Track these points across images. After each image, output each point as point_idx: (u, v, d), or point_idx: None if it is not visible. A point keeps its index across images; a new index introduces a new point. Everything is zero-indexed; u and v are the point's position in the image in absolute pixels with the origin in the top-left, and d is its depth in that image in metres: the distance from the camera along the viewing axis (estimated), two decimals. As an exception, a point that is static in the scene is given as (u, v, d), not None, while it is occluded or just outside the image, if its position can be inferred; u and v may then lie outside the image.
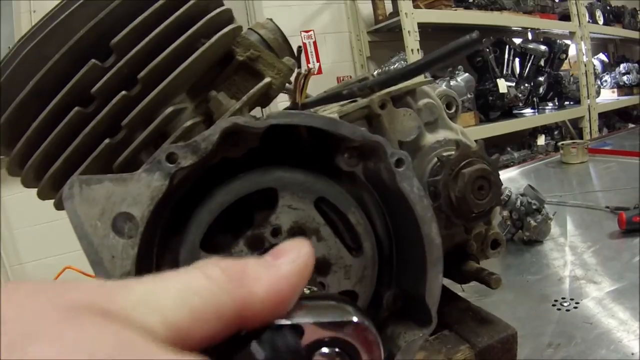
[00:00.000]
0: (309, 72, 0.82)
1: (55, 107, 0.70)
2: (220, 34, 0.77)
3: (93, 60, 0.69)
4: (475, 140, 0.90)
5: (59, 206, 0.80)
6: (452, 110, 0.96)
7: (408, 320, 0.75)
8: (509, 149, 4.90)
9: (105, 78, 0.69)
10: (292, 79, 0.92)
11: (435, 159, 0.85)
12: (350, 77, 4.47)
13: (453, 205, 0.80)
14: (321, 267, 0.70)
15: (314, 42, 4.28)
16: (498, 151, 4.72)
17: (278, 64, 0.84)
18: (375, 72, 4.31)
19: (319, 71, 4.23)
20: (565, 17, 5.56)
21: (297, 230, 0.68)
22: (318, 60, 4.28)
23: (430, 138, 0.87)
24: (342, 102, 0.89)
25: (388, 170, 0.66)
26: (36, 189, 0.79)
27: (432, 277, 0.69)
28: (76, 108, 0.70)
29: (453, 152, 0.83)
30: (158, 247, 0.70)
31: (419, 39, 3.87)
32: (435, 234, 0.68)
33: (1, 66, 0.70)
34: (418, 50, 3.86)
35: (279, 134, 0.67)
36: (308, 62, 4.22)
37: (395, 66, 4.08)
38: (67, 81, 0.69)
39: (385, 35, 4.54)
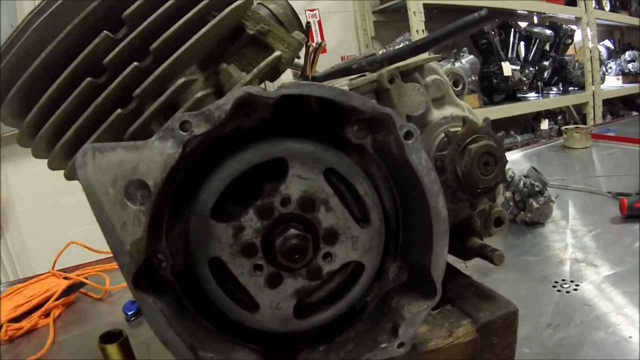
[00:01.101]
0: (320, 46, 0.82)
1: (67, 78, 0.70)
2: (231, 7, 0.77)
3: (105, 32, 0.70)
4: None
5: (69, 176, 0.81)
6: (459, 88, 0.97)
7: (412, 293, 0.76)
8: (512, 132, 4.88)
9: (117, 49, 0.70)
10: (302, 53, 0.92)
11: (442, 134, 0.86)
12: (355, 56, 4.44)
13: (459, 180, 0.80)
14: (329, 236, 0.71)
15: (319, 21, 4.25)
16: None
17: (288, 38, 0.84)
18: (380, 52, 4.28)
19: (323, 50, 4.19)
20: (572, 2, 5.53)
21: (306, 200, 0.69)
22: (322, 39, 4.24)
23: (437, 114, 0.88)
24: (350, 77, 0.89)
25: (397, 143, 0.67)
26: (44, 161, 0.79)
27: (438, 249, 0.70)
28: (88, 79, 0.70)
29: (460, 128, 0.84)
30: (168, 217, 0.71)
31: (424, 20, 3.85)
32: (442, 207, 0.69)
33: (12, 39, 0.70)
34: (423, 31, 3.83)
35: (289, 106, 0.68)
36: (312, 40, 4.17)
37: (400, 46, 4.04)
38: (78, 53, 0.69)
39: (390, 15, 4.51)
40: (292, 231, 0.67)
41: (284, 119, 0.72)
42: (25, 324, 1.39)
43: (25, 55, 0.69)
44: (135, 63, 0.70)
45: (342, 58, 4.35)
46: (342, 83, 0.85)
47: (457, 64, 3.98)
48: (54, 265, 1.68)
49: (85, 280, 1.59)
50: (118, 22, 0.72)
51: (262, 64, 0.79)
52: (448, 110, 0.89)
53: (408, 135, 0.66)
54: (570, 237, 1.66)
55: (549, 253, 1.57)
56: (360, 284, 0.76)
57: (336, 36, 4.43)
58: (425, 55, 0.87)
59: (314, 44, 0.82)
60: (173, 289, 0.71)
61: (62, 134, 0.72)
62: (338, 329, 0.78)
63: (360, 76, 0.87)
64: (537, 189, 1.76)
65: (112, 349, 0.86)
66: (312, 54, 0.81)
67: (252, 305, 0.72)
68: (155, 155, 0.59)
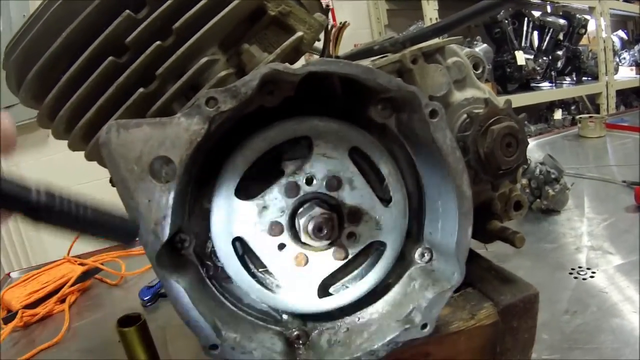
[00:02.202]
0: (344, 25, 0.82)
1: (88, 58, 0.70)
2: None
3: (127, 11, 0.69)
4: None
5: (90, 156, 0.81)
6: (479, 71, 0.96)
7: (436, 274, 0.76)
8: (525, 121, 4.83)
9: (139, 29, 0.70)
10: (321, 36, 0.92)
11: (464, 115, 0.85)
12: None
13: (482, 161, 0.80)
14: (354, 215, 0.71)
15: (332, 9, 4.22)
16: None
17: (309, 19, 0.84)
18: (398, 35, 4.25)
19: (345, 27, 4.16)
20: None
21: (331, 179, 0.69)
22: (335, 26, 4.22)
23: (458, 95, 0.87)
24: (373, 58, 0.89)
25: (421, 121, 0.66)
26: (58, 150, 0.79)
27: (462, 229, 0.70)
28: (110, 58, 0.70)
29: (481, 110, 0.83)
30: (191, 196, 0.71)
31: (437, 8, 3.82)
32: (466, 186, 0.68)
33: (32, 20, 0.70)
34: (436, 19, 3.80)
35: (312, 85, 0.67)
36: (335, 21, 4.17)
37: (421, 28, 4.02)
38: (99, 33, 0.69)
39: (403, 3, 4.46)
40: (317, 209, 0.66)
41: (307, 98, 0.71)
42: (41, 310, 1.41)
43: (44, 35, 0.69)
44: (158, 42, 0.70)
45: (355, 46, 4.33)
46: (365, 63, 0.85)
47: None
48: (69, 252, 1.68)
49: (100, 266, 1.60)
50: (140, 2, 0.71)
51: (285, 44, 0.78)
52: (469, 92, 0.89)
53: (433, 113, 0.65)
54: (585, 225, 1.66)
55: (564, 240, 1.56)
56: (383, 264, 0.76)
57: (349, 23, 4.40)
58: (446, 37, 0.86)
59: (337, 24, 0.82)
60: (195, 269, 0.71)
61: (83, 114, 0.72)
62: (361, 310, 0.78)
63: (383, 57, 0.86)
64: (553, 176, 1.75)
65: (131, 333, 0.86)
66: (336, 33, 0.81)
67: (274, 285, 0.72)
68: (181, 132, 0.59)
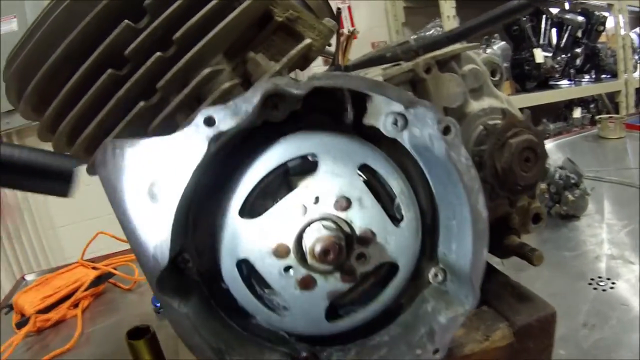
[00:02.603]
0: (352, 34, 0.78)
1: (87, 70, 0.67)
2: None
3: (126, 21, 0.66)
4: (521, 109, 0.87)
5: (91, 171, 0.78)
6: (497, 78, 0.92)
7: (449, 296, 0.73)
8: (544, 120, 4.78)
9: (139, 39, 0.66)
10: (332, 40, 0.88)
11: (481, 127, 0.81)
12: (385, 42, 4.38)
13: (498, 176, 0.76)
14: (363, 236, 0.67)
15: (349, 7, 4.19)
16: (533, 122, 4.60)
17: (318, 25, 0.80)
18: (413, 38, 4.21)
19: (354, 36, 4.14)
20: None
21: (340, 198, 0.65)
22: (353, 25, 4.17)
23: (475, 105, 0.83)
24: (384, 66, 0.85)
25: (435, 138, 0.63)
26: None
27: (477, 250, 0.66)
28: (109, 70, 0.67)
29: (499, 121, 0.80)
30: (196, 206, 0.68)
31: (455, 6, 3.78)
32: (482, 206, 0.65)
33: (31, 30, 0.67)
34: (454, 16, 3.76)
35: (320, 95, 0.64)
36: (342, 27, 4.12)
37: (430, 33, 3.99)
38: (99, 43, 0.66)
39: (420, 1, 4.42)
40: (325, 232, 0.63)
41: (315, 109, 0.68)
42: (54, 315, 1.39)
43: (43, 47, 0.66)
44: (158, 53, 0.67)
45: (373, 44, 4.30)
46: (376, 72, 0.82)
47: (488, 50, 3.91)
48: (82, 255, 1.67)
49: (113, 271, 1.59)
50: (140, 11, 0.68)
51: (292, 52, 0.75)
52: (486, 102, 0.85)
53: (447, 130, 0.62)
54: (605, 232, 1.62)
55: (584, 248, 1.53)
56: (394, 285, 0.72)
57: (366, 22, 4.37)
58: (464, 43, 0.82)
59: (345, 32, 0.78)
60: (199, 290, 0.68)
61: (84, 128, 0.69)
62: (370, 332, 0.75)
63: (395, 65, 0.83)
64: (572, 181, 1.71)
65: (140, 345, 0.84)
66: (344, 42, 0.77)
67: (281, 307, 0.69)
68: (180, 153, 0.56)
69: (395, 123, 0.67)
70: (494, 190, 0.78)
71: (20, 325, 1.36)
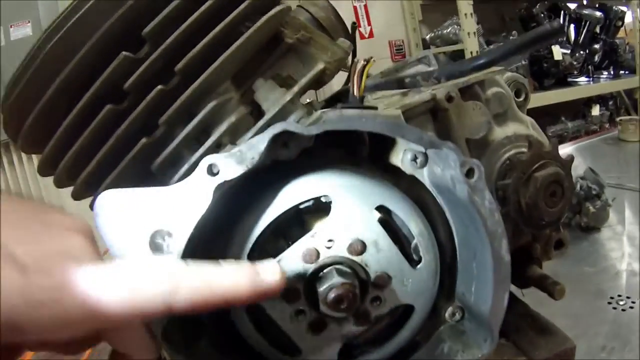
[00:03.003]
0: (369, 62, 0.74)
1: (85, 105, 0.63)
2: (266, 17, 0.68)
3: (124, 53, 0.61)
4: (541, 110, 0.82)
5: (76, 196, 0.75)
6: (522, 99, 0.87)
7: (466, 337, 0.69)
8: (562, 118, 4.71)
9: (138, 72, 0.62)
10: (348, 61, 0.85)
11: (505, 157, 0.77)
12: (402, 41, 4.33)
13: (523, 213, 0.72)
14: (379, 280, 0.64)
15: (365, 5, 4.13)
16: (552, 120, 4.56)
17: (332, 47, 0.76)
18: (428, 37, 4.16)
19: (370, 35, 4.10)
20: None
21: (354, 241, 0.62)
22: (369, 24, 4.14)
23: (499, 133, 0.79)
24: (403, 90, 0.81)
25: (457, 180, 0.59)
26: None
27: (498, 296, 0.63)
28: (108, 106, 0.62)
29: (524, 150, 0.76)
30: (201, 252, 0.65)
31: (472, 3, 3.71)
32: (505, 252, 0.61)
33: (27, 62, 0.63)
34: (472, 14, 3.69)
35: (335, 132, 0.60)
36: (359, 25, 4.08)
37: (448, 31, 3.93)
38: (96, 76, 0.62)
39: (438, -1, 4.37)
40: (338, 279, 0.59)
41: (329, 143, 0.64)
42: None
43: (39, 80, 0.62)
44: (160, 86, 0.62)
45: (390, 43, 4.25)
46: (394, 99, 0.78)
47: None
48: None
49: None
50: (139, 41, 0.63)
51: (303, 80, 0.71)
52: (511, 128, 0.80)
53: (470, 172, 0.58)
54: (627, 245, 1.58)
55: (605, 263, 1.49)
56: (410, 327, 0.69)
57: (382, 20, 4.31)
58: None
59: (362, 61, 0.74)
60: (209, 332, 0.65)
61: (85, 164, 0.65)
62: (385, 372, 0.72)
63: (411, 90, 0.79)
64: (594, 192, 1.66)
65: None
66: (360, 72, 0.73)
67: (293, 349, 0.66)
68: (182, 203, 0.53)
69: (414, 160, 0.63)
70: (517, 226, 0.74)
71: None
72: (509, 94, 0.82)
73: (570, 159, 0.76)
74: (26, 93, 0.64)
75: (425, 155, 0.62)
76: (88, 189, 0.69)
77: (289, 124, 0.55)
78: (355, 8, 4.07)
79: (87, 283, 0.39)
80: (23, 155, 3.25)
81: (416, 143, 0.58)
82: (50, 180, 0.73)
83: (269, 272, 0.49)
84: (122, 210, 0.52)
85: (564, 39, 4.64)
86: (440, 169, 0.62)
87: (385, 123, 0.57)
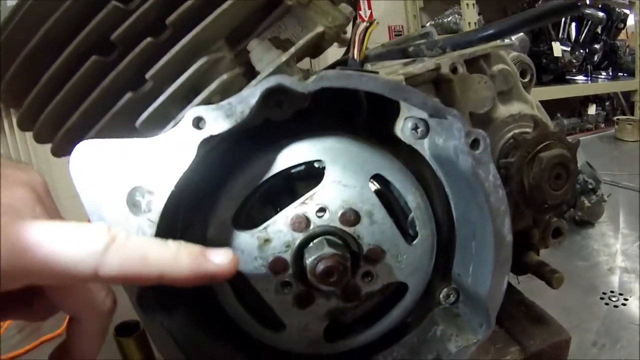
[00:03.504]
0: (372, 24, 0.70)
1: (70, 55, 0.59)
2: None
3: (114, 2, 0.57)
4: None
5: (56, 153, 0.71)
6: (527, 79, 0.84)
7: (460, 321, 0.66)
8: (558, 115, 4.69)
9: (128, 22, 0.58)
10: (349, 29, 0.80)
11: (509, 135, 0.74)
12: (402, 27, 4.28)
13: (525, 193, 0.69)
14: (371, 254, 0.60)
15: (366, -10, 4.09)
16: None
17: (333, 12, 0.72)
18: (428, 24, 4.12)
19: (370, 18, 4.05)
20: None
21: (347, 211, 0.58)
22: (370, 8, 4.08)
23: (503, 110, 0.75)
24: (405, 60, 0.77)
25: (460, 151, 0.55)
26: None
27: (497, 278, 0.59)
28: (94, 57, 0.59)
29: (528, 130, 0.72)
30: (184, 214, 0.61)
31: (475, -5, 3.68)
32: (507, 231, 0.57)
33: (13, 11, 0.59)
34: (474, 5, 3.65)
35: (331, 91, 0.56)
36: (359, 8, 4.03)
37: (449, 19, 3.88)
38: (82, 27, 0.58)
39: (439, -14, 4.33)
40: (328, 249, 0.55)
41: (325, 108, 0.61)
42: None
43: (25, 28, 0.59)
44: (149, 38, 0.58)
45: (389, 28, 4.21)
46: (396, 67, 0.74)
47: (506, 41, 3.81)
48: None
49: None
50: None
51: (301, 42, 0.67)
52: (515, 107, 0.77)
53: (475, 143, 0.54)
54: (620, 243, 1.56)
55: (598, 259, 1.47)
56: (402, 306, 0.66)
57: (383, 5, 4.25)
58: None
59: (365, 22, 0.70)
60: (185, 302, 0.61)
61: (66, 119, 0.61)
62: (373, 353, 0.69)
63: (414, 60, 0.75)
64: (590, 186, 1.63)
65: (128, 343, 0.78)
66: (362, 34, 0.69)
67: (277, 324, 0.63)
68: (164, 158, 0.49)
69: (415, 129, 0.59)
70: (518, 207, 0.70)
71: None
72: (515, 72, 0.79)
73: (577, 142, 0.72)
74: (10, 43, 0.60)
75: (427, 124, 0.58)
76: (69, 145, 0.65)
77: (284, 78, 0.50)
78: (356, -7, 4.02)
79: (17, 238, 0.37)
80: (14, 121, 3.18)
81: (419, 108, 0.54)
82: (39, 146, 0.69)
83: (219, 256, 0.46)
84: (100, 162, 0.48)
85: (565, 36, 4.61)
86: (442, 140, 0.58)
87: (388, 83, 0.52)
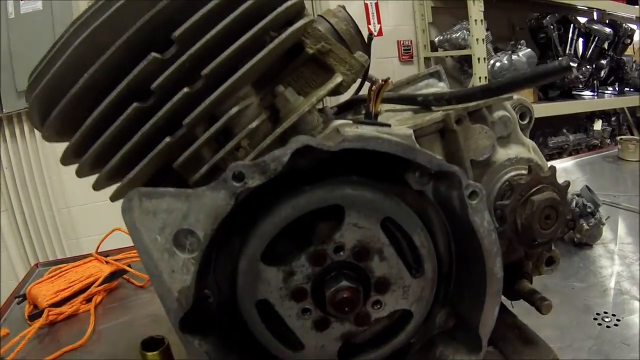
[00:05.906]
0: (386, 82, 0.78)
1: (112, 102, 0.65)
2: (291, 30, 0.71)
3: (153, 54, 0.64)
4: (542, 122, 0.87)
5: (114, 198, 0.77)
6: (525, 122, 0.92)
7: (457, 343, 0.75)
8: (564, 130, 4.73)
9: (166, 73, 0.64)
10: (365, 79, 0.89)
11: (505, 178, 0.82)
12: (411, 41, 4.33)
13: (518, 232, 0.77)
14: (380, 285, 0.69)
15: (376, 3, 4.14)
16: (554, 132, 4.59)
17: (350, 60, 0.80)
18: (437, 39, 4.19)
19: (379, 33, 4.11)
20: (633, 1, 5.30)
21: (361, 249, 0.67)
22: (379, 22, 4.15)
23: (501, 154, 0.83)
24: (414, 108, 0.86)
25: (460, 200, 0.64)
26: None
27: (489, 308, 0.69)
28: (134, 104, 0.65)
29: (524, 173, 0.80)
30: (217, 246, 0.70)
31: (483, 10, 3.72)
32: (498, 269, 0.66)
33: (52, 55, 0.66)
34: (482, 21, 3.70)
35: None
36: (369, 23, 4.10)
37: (457, 35, 3.95)
38: (123, 73, 0.64)
39: (449, 2, 4.36)
40: (344, 283, 0.65)
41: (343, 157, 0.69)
42: (67, 309, 1.39)
43: (66, 74, 0.65)
44: (185, 89, 0.65)
45: (398, 43, 4.26)
46: (406, 116, 0.82)
47: (514, 57, 3.87)
48: (97, 249, 1.68)
49: (127, 268, 1.58)
50: (166, 41, 0.65)
51: (321, 93, 0.75)
52: (513, 150, 0.85)
53: (473, 195, 0.63)
54: (617, 264, 1.60)
55: (594, 280, 1.52)
56: (407, 331, 0.74)
57: (393, 20, 4.31)
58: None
59: (381, 81, 0.79)
60: (219, 326, 0.70)
61: (107, 159, 0.68)
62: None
63: (425, 110, 0.83)
64: (589, 209, 1.70)
65: (153, 357, 0.85)
66: (377, 91, 0.78)
67: (296, 344, 0.72)
68: (206, 206, 0.58)
69: (422, 176, 0.68)
70: (511, 244, 0.79)
71: (33, 317, 1.35)
72: (514, 118, 0.87)
73: (567, 184, 0.80)
74: (52, 86, 0.66)
75: (431, 175, 0.67)
76: (109, 180, 0.72)
77: (310, 140, 0.59)
78: (366, 5, 4.05)
79: None
80: (26, 128, 3.25)
81: (426, 165, 0.62)
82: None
83: None
84: (149, 207, 0.57)
85: (572, 52, 4.66)
86: (444, 188, 0.67)
87: (400, 145, 0.62)
